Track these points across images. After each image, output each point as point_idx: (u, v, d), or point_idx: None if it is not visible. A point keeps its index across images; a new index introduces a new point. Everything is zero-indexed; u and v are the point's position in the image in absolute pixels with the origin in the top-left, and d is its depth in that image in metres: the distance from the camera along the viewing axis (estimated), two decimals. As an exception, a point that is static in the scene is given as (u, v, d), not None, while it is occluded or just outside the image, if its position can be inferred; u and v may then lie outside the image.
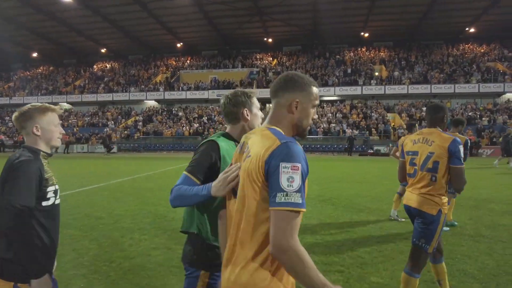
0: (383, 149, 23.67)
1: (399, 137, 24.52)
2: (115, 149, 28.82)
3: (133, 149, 30.47)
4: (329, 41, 38.81)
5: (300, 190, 1.12)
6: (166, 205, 6.77)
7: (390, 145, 24.01)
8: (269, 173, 1.16)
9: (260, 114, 1.92)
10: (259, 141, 1.27)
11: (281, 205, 1.11)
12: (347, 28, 36.10)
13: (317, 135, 26.92)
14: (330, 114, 29.81)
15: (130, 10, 32.07)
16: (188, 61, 42.77)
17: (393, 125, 28.29)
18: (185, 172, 1.71)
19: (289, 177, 1.12)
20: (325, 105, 32.36)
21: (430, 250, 2.71)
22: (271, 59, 40.22)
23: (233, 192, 1.45)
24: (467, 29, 36.17)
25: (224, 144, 1.79)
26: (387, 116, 28.88)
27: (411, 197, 2.90)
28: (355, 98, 32.59)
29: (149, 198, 7.98)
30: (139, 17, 33.43)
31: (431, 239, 2.70)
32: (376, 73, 34.09)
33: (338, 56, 37.42)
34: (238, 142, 1.78)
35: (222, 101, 1.89)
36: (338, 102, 32.92)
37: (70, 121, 35.68)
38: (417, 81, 31.53)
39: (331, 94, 32.48)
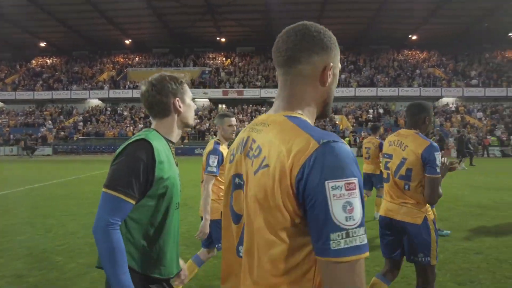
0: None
1: (344, 138, 25.54)
2: (49, 151, 26.55)
3: (71, 151, 28.34)
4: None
5: (363, 222, 0.72)
6: (59, 217, 6.14)
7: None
8: (307, 196, 0.74)
9: (193, 105, 1.60)
10: (278, 140, 0.81)
11: (342, 253, 0.70)
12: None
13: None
14: (280, 116, 29.77)
15: (72, 2, 29.85)
16: (137, 59, 40.86)
17: (341, 127, 28.83)
18: (108, 191, 1.28)
19: (346, 203, 0.71)
20: (276, 107, 32.32)
21: (434, 261, 2.40)
22: (224, 59, 39.58)
23: (233, 214, 0.97)
24: (410, 36, 38.06)
25: (158, 144, 1.40)
26: (334, 118, 29.35)
27: (391, 207, 2.56)
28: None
29: (44, 208, 6.98)
30: (83, 10, 31.22)
31: (429, 249, 2.40)
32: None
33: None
34: (171, 142, 1.52)
35: (143, 88, 1.52)
36: (289, 103, 33.03)
37: (0, 121, 32.51)
38: (364, 84, 32.50)
39: (282, 95, 32.51)
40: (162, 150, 1.40)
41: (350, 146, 24.24)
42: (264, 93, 32.38)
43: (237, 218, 0.93)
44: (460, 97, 32.61)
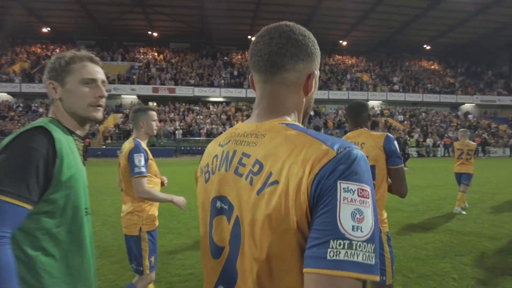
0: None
1: None
2: None
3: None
4: (218, 42, 38.51)
5: (374, 239, 0.62)
6: None
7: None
8: (318, 204, 0.64)
9: (86, 91, 1.27)
10: (285, 150, 0.70)
11: (340, 266, 0.59)
12: (235, 30, 36.12)
13: (200, 137, 25.71)
14: (214, 116, 28.96)
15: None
16: (58, 50, 36.97)
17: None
18: None
19: (356, 210, 0.62)
20: (211, 106, 31.43)
21: (389, 281, 2.23)
22: (156, 54, 37.63)
23: (213, 247, 0.81)
24: (341, 41, 39.94)
25: (60, 135, 1.16)
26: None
27: None
28: (240, 101, 32.54)
29: None
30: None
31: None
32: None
33: (226, 58, 37.04)
34: (76, 135, 1.29)
35: None
36: (224, 103, 32.38)
37: None
38: (297, 86, 33.17)
39: (216, 95, 31.79)
40: (64, 142, 1.15)
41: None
42: (198, 91, 31.36)
43: (217, 251, 0.78)
44: (384, 101, 34.93)
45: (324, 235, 0.60)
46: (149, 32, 36.23)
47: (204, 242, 0.84)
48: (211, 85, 31.84)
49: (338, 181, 0.63)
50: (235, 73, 34.06)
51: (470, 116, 35.20)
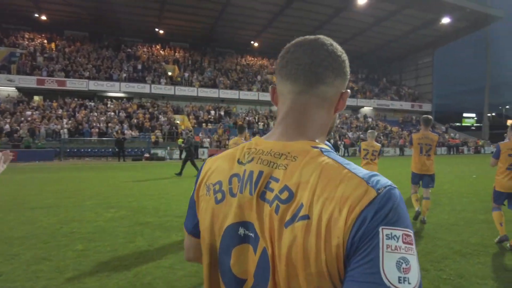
0: (161, 152, 21.81)
1: (186, 139, 23.87)
2: None
3: None
4: (123, 34, 35.20)
5: None
6: None
7: (169, 148, 22.53)
8: (354, 250, 0.57)
9: None
10: (319, 181, 0.62)
11: None
12: (141, 22, 33.42)
13: (90, 137, 22.59)
14: (112, 113, 25.95)
15: None
16: None
17: (182, 127, 27.20)
18: None
19: (401, 259, 0.55)
20: (109, 102, 28.22)
21: None
22: (46, 41, 32.64)
23: (232, 280, 0.70)
24: (252, 42, 39.94)
25: None
26: (174, 118, 27.50)
27: None
28: (144, 97, 29.98)
29: None
30: None
31: None
32: (170, 73, 32.63)
33: (129, 50, 33.93)
34: None
35: None
36: (124, 99, 29.42)
37: None
38: (206, 84, 31.87)
39: (116, 90, 28.67)
40: None
41: (187, 147, 22.82)
42: (94, 85, 27.87)
43: (237, 284, 0.69)
44: (293, 103, 35.78)
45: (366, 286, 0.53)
46: (36, 15, 31.26)
47: (213, 273, 0.73)
48: (110, 78, 28.63)
49: (381, 227, 0.56)
50: (139, 66, 31.31)
51: (369, 119, 38.22)
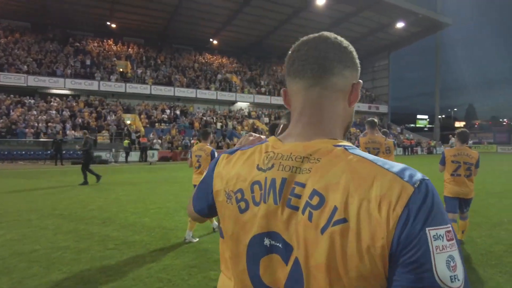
0: (105, 154, 20.11)
1: (84, 141, 22.74)
2: None
3: None
4: (71, 26, 32.62)
5: (467, 282, 0.56)
6: None
7: (114, 149, 20.88)
8: (403, 254, 0.55)
9: None
10: (351, 181, 0.60)
11: None
12: (91, 14, 31.11)
13: (25, 138, 20.34)
14: (53, 111, 23.71)
15: None
16: None
17: (134, 127, 25.48)
18: None
19: (449, 258, 0.55)
20: (52, 100, 25.85)
21: None
22: (-21, 31, 29.40)
23: None
24: (211, 40, 38.81)
25: None
26: (123, 117, 25.71)
27: None
28: (92, 94, 27.85)
29: None
30: None
31: None
32: (121, 69, 30.67)
33: (78, 44, 31.49)
34: None
35: None
36: (70, 97, 27.12)
37: None
38: (161, 82, 30.29)
39: (60, 86, 26.33)
40: None
41: (84, 150, 21.37)
42: (34, 81, 25.34)
43: None
44: (252, 103, 35.11)
45: None
46: (-34, 1, 28.07)
47: (243, 279, 0.71)
48: (53, 74, 26.25)
49: (427, 229, 0.55)
50: (88, 62, 29.07)
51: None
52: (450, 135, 30.42)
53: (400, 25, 35.45)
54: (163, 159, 21.30)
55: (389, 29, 37.24)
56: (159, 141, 22.35)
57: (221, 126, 28.40)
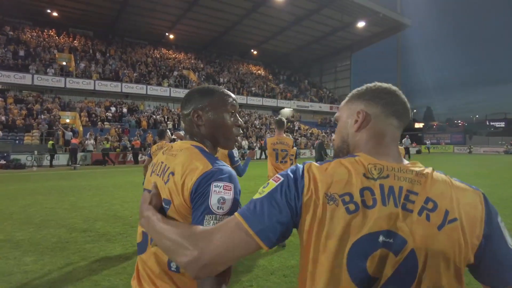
0: (26, 158, 17.31)
1: (67, 142, 20.24)
2: None
3: None
4: (5, 13, 29.08)
5: None
6: None
7: (36, 152, 18.21)
8: (488, 237, 0.82)
9: None
10: (451, 194, 0.85)
11: None
12: (29, 1, 27.95)
13: None
14: (-27, 107, 20.56)
15: None
16: None
17: (74, 126, 22.75)
18: None
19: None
20: (-26, 95, 22.57)
21: None
22: None
23: (363, 278, 0.80)
24: (167, 34, 36.51)
25: None
26: (59, 115, 22.86)
27: None
28: (25, 89, 24.76)
29: None
30: None
31: None
32: (64, 63, 27.69)
33: (12, 33, 28.09)
34: None
35: None
36: (-2, 92, 23.88)
37: None
38: (107, 77, 27.64)
39: (-18, 79, 23.10)
40: None
41: (59, 151, 18.73)
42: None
43: (369, 281, 0.79)
44: (209, 102, 33.19)
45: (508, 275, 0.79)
46: None
47: (337, 273, 0.80)
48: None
49: (500, 222, 0.82)
50: (22, 53, 25.87)
51: (292, 119, 37.41)
52: (407, 135, 30.29)
53: (361, 24, 35.04)
54: (97, 162, 18.85)
55: (350, 29, 36.78)
56: (93, 142, 19.82)
57: (173, 125, 26.32)
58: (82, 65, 27.22)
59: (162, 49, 37.49)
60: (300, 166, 0.89)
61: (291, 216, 0.83)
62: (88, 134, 20.46)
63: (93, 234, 5.27)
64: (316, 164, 0.89)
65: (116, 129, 23.04)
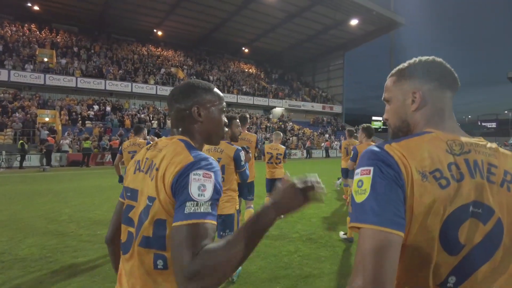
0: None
1: (43, 141, 18.89)
2: None
3: None
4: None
5: None
6: None
7: (3, 153, 17.08)
8: None
9: None
10: None
11: None
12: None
13: None
14: None
15: None
16: None
17: (54, 125, 21.61)
18: None
19: None
20: None
21: None
22: None
23: (454, 245, 0.87)
24: (155, 31, 35.44)
25: None
26: (36, 113, 21.65)
27: None
28: (1, 86, 23.54)
29: None
30: None
31: None
32: (46, 59, 26.49)
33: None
34: None
35: None
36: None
37: None
38: (90, 74, 26.51)
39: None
40: None
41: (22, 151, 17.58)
42: None
43: (457, 248, 0.85)
44: (198, 100, 32.18)
45: None
46: None
47: (431, 244, 0.84)
48: None
49: None
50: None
51: (284, 118, 36.55)
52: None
53: (354, 22, 34.29)
54: (74, 163, 17.76)
55: (343, 27, 36.03)
56: (68, 141, 18.69)
57: (158, 124, 25.30)
58: (64, 61, 26.06)
59: (150, 46, 36.39)
60: (379, 149, 0.87)
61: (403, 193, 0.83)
62: (66, 133, 19.36)
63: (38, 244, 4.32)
64: (396, 143, 0.89)
65: (99, 128, 21.96)
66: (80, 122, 22.46)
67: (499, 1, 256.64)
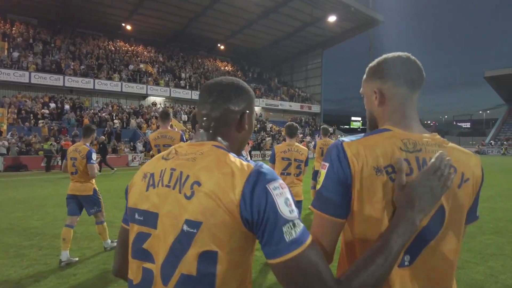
0: None
1: None
2: None
3: None
4: None
5: None
6: None
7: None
8: (478, 190, 1.05)
9: None
10: (463, 159, 1.04)
11: None
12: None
13: None
14: None
15: None
16: None
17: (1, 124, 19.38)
18: None
19: None
20: None
21: None
22: None
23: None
24: (123, 25, 33.32)
25: None
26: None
27: None
28: None
29: None
30: None
31: None
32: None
33: None
34: None
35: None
36: None
37: None
38: (47, 69, 24.27)
39: None
40: None
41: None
42: None
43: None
44: (168, 98, 30.35)
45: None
46: None
47: (381, 221, 0.97)
48: None
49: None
50: None
51: (261, 118, 35.14)
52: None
53: (332, 19, 33.23)
54: (13, 168, 15.69)
55: (321, 24, 34.98)
56: (4, 143, 16.53)
57: (120, 124, 23.36)
58: (16, 54, 23.72)
59: (119, 41, 34.22)
60: (339, 146, 0.97)
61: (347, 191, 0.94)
62: (9, 133, 17.25)
63: None
64: (357, 140, 0.99)
65: (52, 127, 19.85)
66: (33, 121, 20.27)
67: (477, 2, 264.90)
